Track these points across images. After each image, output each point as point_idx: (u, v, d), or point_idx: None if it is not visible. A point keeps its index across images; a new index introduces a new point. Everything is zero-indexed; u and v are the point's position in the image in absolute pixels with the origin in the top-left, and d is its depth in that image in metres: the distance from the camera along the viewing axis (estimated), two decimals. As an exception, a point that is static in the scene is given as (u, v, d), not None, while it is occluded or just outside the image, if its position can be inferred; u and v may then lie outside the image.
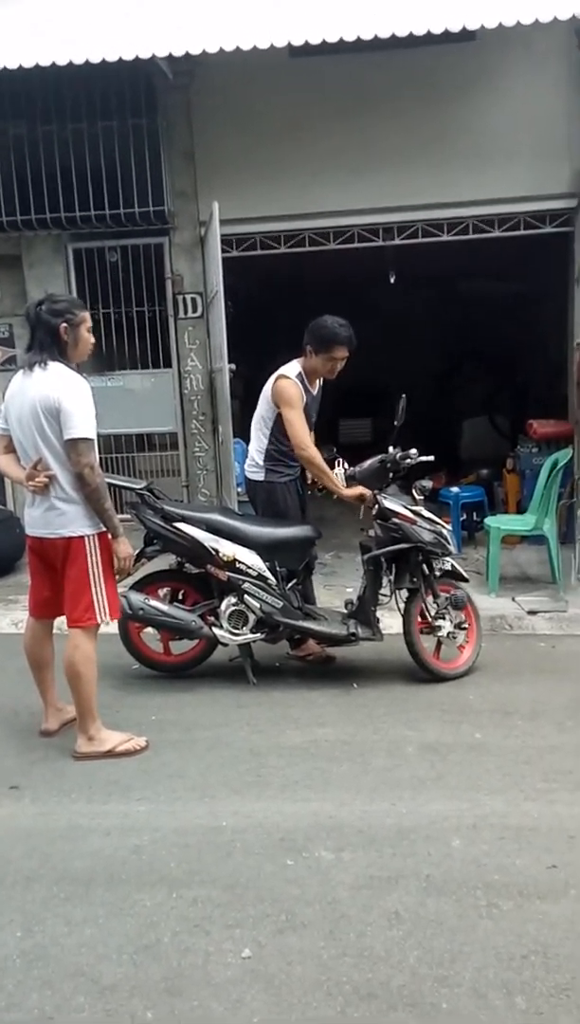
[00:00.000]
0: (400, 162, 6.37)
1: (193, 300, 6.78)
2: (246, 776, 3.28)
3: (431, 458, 4.32)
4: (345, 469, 4.38)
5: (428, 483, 4.41)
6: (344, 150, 6.40)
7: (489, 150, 6.34)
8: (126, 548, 3.47)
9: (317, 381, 4.42)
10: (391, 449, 4.27)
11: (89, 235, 6.72)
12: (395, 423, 4.30)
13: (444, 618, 4.21)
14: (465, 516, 6.93)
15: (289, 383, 4.23)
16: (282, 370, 4.29)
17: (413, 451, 4.24)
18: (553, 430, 6.75)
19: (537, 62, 6.23)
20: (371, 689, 4.13)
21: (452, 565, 4.28)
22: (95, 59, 5.24)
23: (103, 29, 5.27)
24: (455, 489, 7.05)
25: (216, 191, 6.26)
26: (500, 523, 5.82)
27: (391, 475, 4.24)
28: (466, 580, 4.38)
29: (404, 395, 4.27)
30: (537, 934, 2.31)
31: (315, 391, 4.41)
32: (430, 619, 4.20)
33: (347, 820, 2.92)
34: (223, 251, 6.08)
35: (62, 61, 5.24)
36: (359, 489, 4.22)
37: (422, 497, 4.31)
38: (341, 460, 4.48)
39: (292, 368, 4.30)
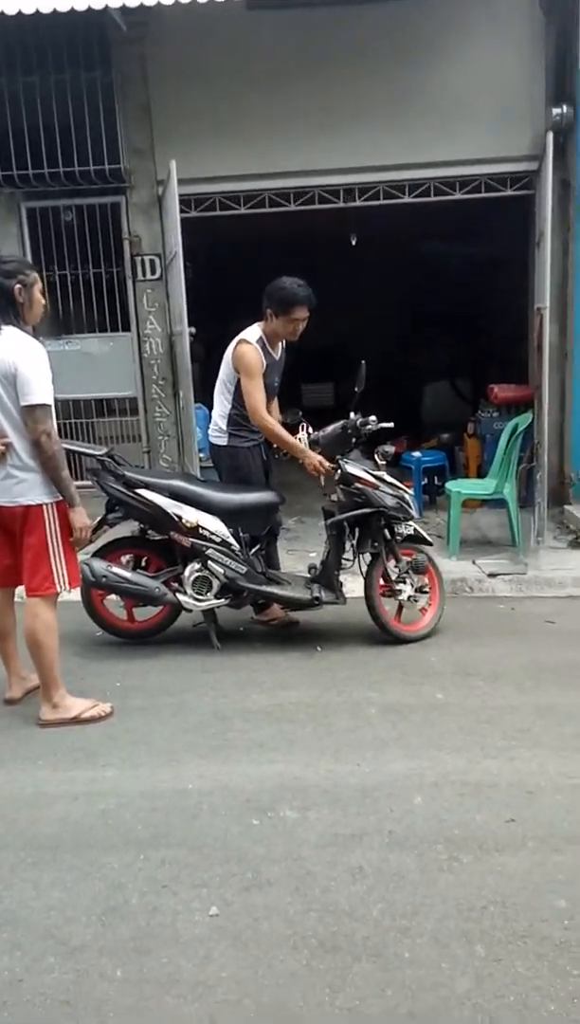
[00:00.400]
0: (362, 122, 6.27)
1: (151, 262, 6.65)
2: (212, 740, 3.31)
3: (391, 425, 4.34)
4: (308, 434, 4.37)
5: (390, 448, 4.42)
6: (305, 109, 6.28)
7: (451, 111, 6.27)
8: (82, 518, 3.41)
9: (279, 344, 4.38)
10: (352, 415, 4.27)
11: (43, 194, 6.53)
12: (355, 389, 4.30)
13: (405, 582, 4.26)
14: (426, 480, 6.99)
15: (249, 348, 4.19)
16: (243, 334, 4.25)
17: (372, 418, 4.25)
18: (514, 394, 6.80)
19: (500, 23, 6.15)
20: (334, 652, 4.18)
21: (415, 529, 4.32)
22: (45, 9, 5.04)
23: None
24: (416, 454, 7.10)
25: (173, 149, 6.11)
26: (461, 487, 5.88)
27: (353, 441, 4.25)
28: (429, 544, 4.44)
29: (363, 361, 4.26)
30: (496, 885, 2.38)
31: (278, 354, 4.38)
32: (391, 583, 4.25)
33: (312, 780, 2.97)
34: (181, 211, 5.95)
35: (11, 11, 5.04)
36: (319, 458, 4.21)
37: (384, 462, 4.33)
38: (305, 424, 4.47)
39: (252, 332, 4.25)
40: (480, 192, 6.50)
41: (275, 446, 4.41)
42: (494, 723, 3.38)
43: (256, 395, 4.17)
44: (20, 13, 5.06)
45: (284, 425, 4.37)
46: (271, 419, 4.25)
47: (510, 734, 3.28)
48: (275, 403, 4.55)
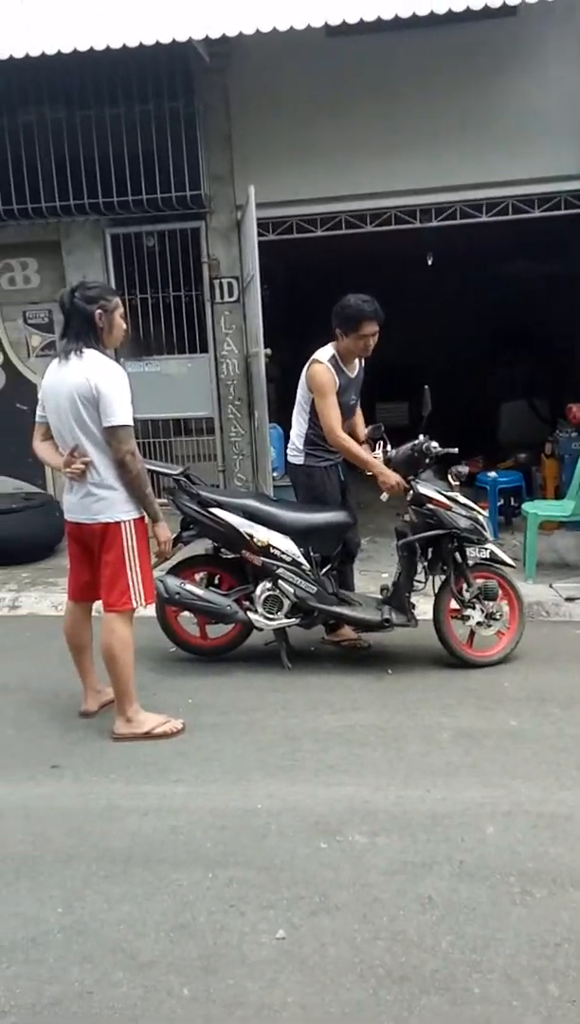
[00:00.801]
0: (437, 142, 6.28)
1: (229, 284, 6.78)
2: (281, 760, 3.31)
3: (455, 451, 4.25)
4: (385, 452, 4.33)
5: (464, 468, 4.36)
6: (380, 131, 6.33)
7: (528, 129, 6.22)
8: (166, 532, 3.51)
9: (355, 362, 4.37)
10: (421, 437, 4.23)
11: (126, 220, 6.75)
12: (422, 413, 4.27)
13: (474, 607, 4.15)
14: (502, 501, 6.87)
15: (321, 368, 4.21)
16: (316, 355, 4.28)
17: (434, 444, 4.16)
18: (593, 414, 6.63)
19: (574, 38, 6.08)
20: (406, 675, 4.14)
21: (491, 552, 4.21)
22: (132, 43, 5.24)
23: (139, 12, 5.26)
24: (492, 474, 6.98)
25: (252, 174, 6.24)
26: (538, 509, 5.75)
27: (424, 462, 4.20)
28: (511, 566, 4.29)
29: (427, 386, 4.24)
30: (571, 922, 2.31)
31: (354, 373, 4.37)
32: (460, 607, 4.17)
33: (381, 805, 2.94)
34: (259, 235, 6.06)
35: (99, 46, 5.26)
36: (397, 476, 4.16)
37: (458, 483, 4.27)
38: (384, 441, 4.39)
39: (325, 352, 4.28)
40: (560, 209, 6.40)
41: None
42: (570, 752, 3.28)
43: (330, 413, 4.18)
44: (108, 48, 5.27)
45: (364, 440, 4.36)
46: (347, 437, 4.23)
47: (587, 765, 3.18)
48: (360, 417, 4.56)
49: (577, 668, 4.15)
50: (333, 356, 4.26)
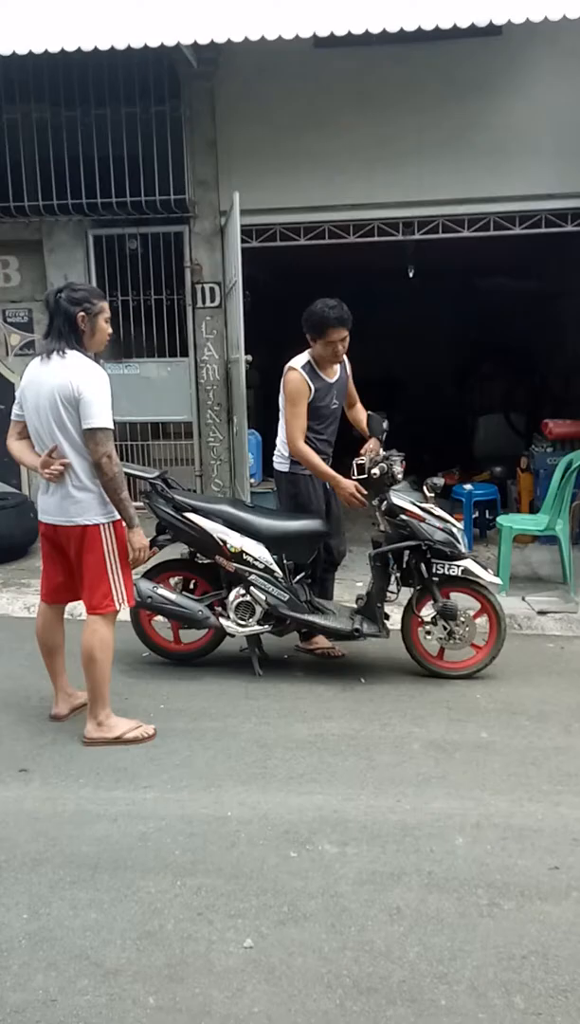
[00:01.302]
0: (422, 156, 6.35)
1: (211, 289, 6.78)
2: (252, 767, 3.30)
3: (399, 455, 4.24)
4: (366, 461, 4.27)
5: (440, 480, 4.37)
6: (366, 143, 6.38)
7: (512, 147, 6.30)
8: (141, 539, 3.49)
9: (335, 367, 4.36)
10: (388, 454, 4.22)
11: (110, 222, 6.73)
12: (379, 438, 4.31)
13: (436, 624, 4.14)
14: (477, 514, 6.92)
15: (294, 376, 4.22)
16: (291, 362, 4.29)
17: (397, 468, 4.14)
18: (569, 430, 6.72)
19: (563, 59, 6.18)
20: (379, 685, 4.15)
21: (466, 568, 4.10)
22: (120, 45, 5.22)
23: (129, 15, 5.25)
24: (468, 486, 7.04)
25: (237, 181, 6.25)
26: (512, 522, 5.81)
27: (389, 484, 4.16)
28: (496, 584, 4.19)
29: (385, 413, 4.31)
30: (538, 935, 2.32)
31: (333, 377, 4.35)
32: (424, 621, 4.16)
33: (351, 815, 2.94)
34: (243, 241, 6.07)
35: (87, 47, 5.23)
36: (353, 486, 4.14)
37: (433, 495, 4.29)
38: (379, 441, 4.36)
39: (300, 359, 4.29)
40: (540, 227, 6.49)
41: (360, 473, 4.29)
42: (539, 765, 3.31)
43: (294, 423, 4.19)
44: (96, 49, 5.26)
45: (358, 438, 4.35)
46: (306, 449, 4.21)
47: (556, 777, 3.21)
48: (362, 412, 4.55)
49: (549, 681, 4.19)
50: (308, 362, 4.27)
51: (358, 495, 4.15)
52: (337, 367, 4.38)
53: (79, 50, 5.26)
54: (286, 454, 4.37)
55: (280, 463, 4.43)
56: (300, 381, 4.20)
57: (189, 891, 2.53)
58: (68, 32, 5.24)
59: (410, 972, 2.19)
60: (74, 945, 2.31)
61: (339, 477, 4.21)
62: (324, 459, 4.34)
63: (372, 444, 4.33)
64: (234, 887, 2.55)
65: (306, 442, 4.26)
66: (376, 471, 4.10)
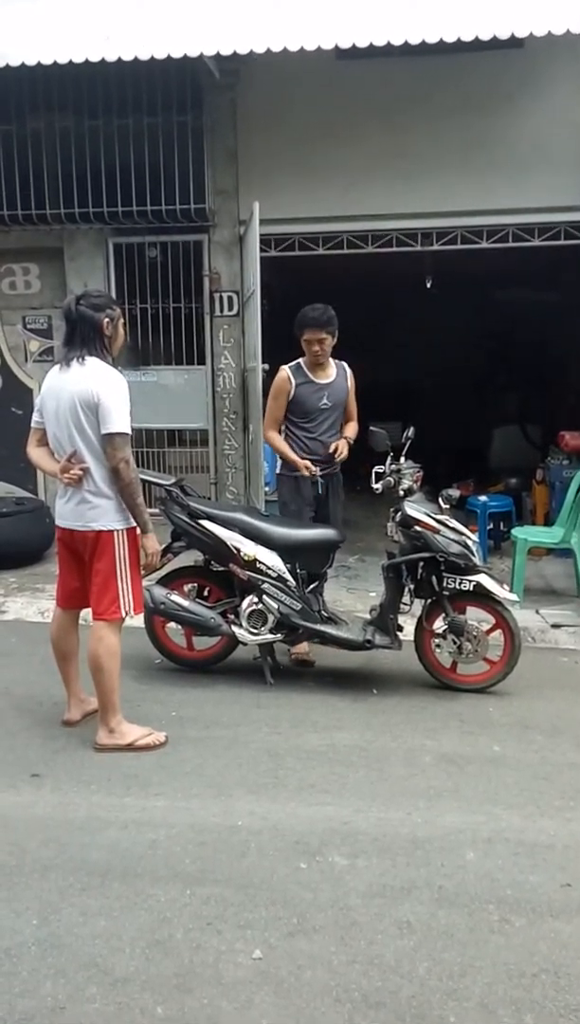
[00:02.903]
0: (442, 168, 6.35)
1: (229, 298, 6.81)
2: (263, 777, 3.30)
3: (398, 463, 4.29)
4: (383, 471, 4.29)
5: (455, 492, 4.37)
6: (386, 154, 6.40)
7: (532, 158, 6.30)
8: (154, 544, 3.51)
9: (330, 369, 4.49)
10: (400, 462, 4.29)
11: (130, 230, 6.77)
12: (402, 454, 4.34)
13: (446, 638, 4.11)
14: (492, 526, 6.89)
15: (280, 373, 4.47)
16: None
17: (405, 481, 4.19)
18: (585, 443, 6.69)
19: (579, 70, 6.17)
20: (391, 696, 4.13)
21: (479, 583, 4.05)
22: (143, 56, 5.27)
23: (152, 26, 5.30)
24: (483, 498, 7.02)
25: (257, 191, 6.29)
26: (527, 534, 5.79)
27: (400, 497, 4.18)
28: (512, 600, 4.14)
29: (411, 427, 4.43)
30: (549, 952, 2.30)
31: (326, 379, 4.46)
32: (436, 634, 4.13)
33: (362, 827, 2.93)
34: (261, 251, 6.10)
35: (111, 57, 5.29)
36: (305, 462, 4.35)
37: (448, 506, 4.27)
38: (402, 447, 4.38)
39: (293, 362, 4.49)
40: (559, 239, 6.48)
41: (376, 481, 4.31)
42: (551, 780, 3.28)
43: (267, 414, 4.55)
44: (120, 59, 5.31)
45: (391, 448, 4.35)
46: (275, 435, 4.51)
47: (568, 793, 3.18)
48: (352, 424, 4.61)
49: (562, 696, 4.16)
50: (297, 364, 4.47)
51: (310, 469, 4.35)
52: (332, 370, 4.49)
53: (103, 61, 5.32)
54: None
55: (279, 466, 4.70)
56: (282, 378, 4.45)
57: (199, 900, 2.53)
58: (92, 43, 5.30)
59: (419, 987, 2.17)
60: (83, 952, 2.31)
61: (296, 458, 4.40)
62: (315, 460, 4.44)
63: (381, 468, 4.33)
64: (243, 897, 2.54)
65: (294, 439, 4.48)
66: (378, 486, 4.13)
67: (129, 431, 3.38)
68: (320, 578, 4.48)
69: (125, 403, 3.37)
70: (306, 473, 4.36)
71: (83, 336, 3.38)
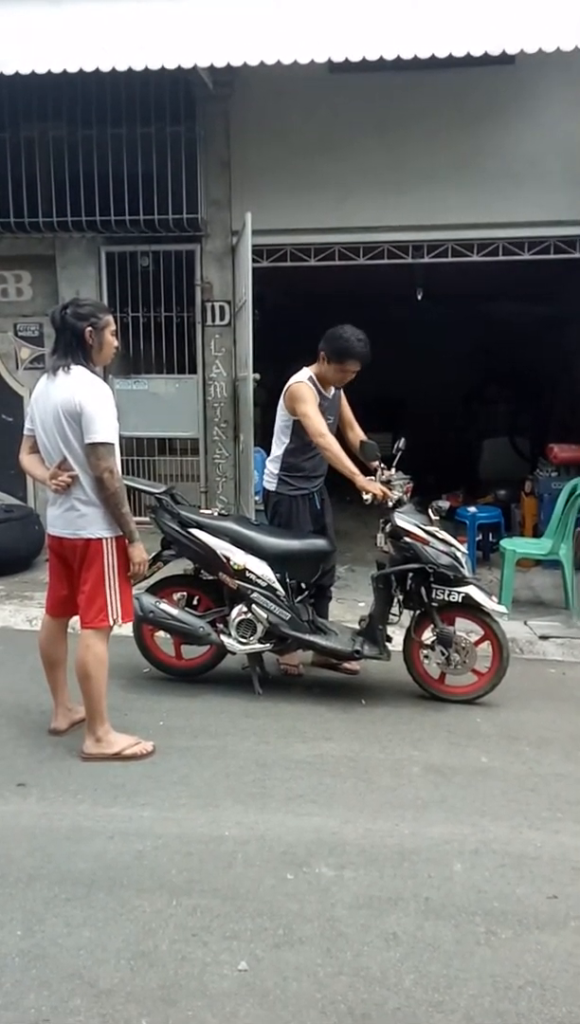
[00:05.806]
0: (433, 181, 6.40)
1: (221, 308, 6.83)
2: (250, 787, 3.29)
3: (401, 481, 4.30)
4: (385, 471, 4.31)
5: (445, 503, 4.38)
6: (378, 167, 6.44)
7: (522, 173, 6.36)
8: (141, 554, 3.49)
9: (331, 387, 4.43)
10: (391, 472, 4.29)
11: (122, 239, 6.79)
12: (394, 465, 4.35)
13: (434, 649, 4.12)
14: (481, 536, 6.92)
15: (301, 385, 4.27)
16: (293, 377, 4.34)
17: (396, 492, 4.19)
18: (574, 455, 6.74)
19: (574, 88, 6.24)
20: (379, 707, 4.13)
21: (466, 595, 4.06)
22: (137, 67, 5.29)
23: (146, 37, 5.32)
24: (472, 509, 7.05)
25: (249, 201, 6.31)
26: (516, 546, 5.81)
27: (390, 508, 4.17)
28: (500, 612, 4.15)
29: (403, 438, 4.41)
30: (535, 965, 2.30)
31: (330, 394, 4.42)
32: (424, 645, 4.14)
33: (349, 838, 2.92)
34: (253, 261, 6.12)
35: (105, 67, 5.30)
36: (377, 486, 4.10)
37: (438, 517, 4.29)
38: (382, 468, 4.35)
39: (302, 373, 4.35)
40: (549, 253, 6.53)
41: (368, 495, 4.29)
42: (539, 792, 3.29)
43: (315, 418, 4.16)
44: (114, 69, 5.33)
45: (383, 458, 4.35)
46: (334, 442, 4.19)
47: (555, 804, 3.19)
48: (358, 431, 4.59)
49: (550, 707, 4.17)
50: (311, 377, 4.33)
51: (385, 491, 4.11)
52: (332, 388, 4.45)
53: (97, 70, 5.34)
54: (275, 472, 4.41)
55: (269, 481, 4.47)
56: (308, 387, 4.27)
57: (184, 911, 2.52)
58: (87, 52, 5.31)
59: (405, 999, 2.17)
60: (67, 964, 2.29)
61: (362, 477, 4.14)
62: (306, 488, 4.39)
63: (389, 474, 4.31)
64: (230, 908, 2.53)
65: (293, 468, 4.34)
66: (368, 498, 4.11)
67: (113, 440, 3.37)
68: (322, 590, 4.47)
69: (108, 413, 3.36)
70: (381, 499, 4.10)
71: (66, 345, 3.38)
